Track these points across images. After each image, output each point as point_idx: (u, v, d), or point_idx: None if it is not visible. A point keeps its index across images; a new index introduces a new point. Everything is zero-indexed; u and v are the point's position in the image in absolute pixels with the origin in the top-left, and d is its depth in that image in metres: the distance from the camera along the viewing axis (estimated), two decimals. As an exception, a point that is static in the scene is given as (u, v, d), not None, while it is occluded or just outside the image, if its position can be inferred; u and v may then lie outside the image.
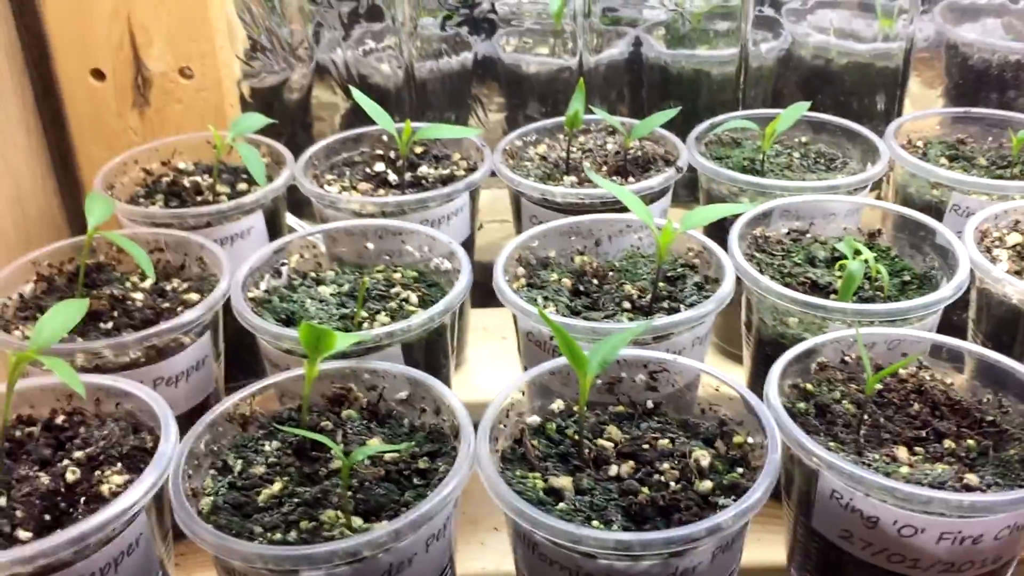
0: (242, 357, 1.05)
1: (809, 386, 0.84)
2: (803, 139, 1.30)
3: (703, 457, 0.76)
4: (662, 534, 0.65)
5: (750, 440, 0.76)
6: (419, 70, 1.39)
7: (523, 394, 0.81)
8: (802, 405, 0.82)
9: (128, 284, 1.00)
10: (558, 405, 0.83)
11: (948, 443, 0.78)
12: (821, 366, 0.86)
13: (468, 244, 1.17)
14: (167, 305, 0.95)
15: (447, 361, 0.97)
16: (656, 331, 0.86)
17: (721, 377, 0.81)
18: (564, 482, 0.73)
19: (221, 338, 0.99)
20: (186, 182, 1.18)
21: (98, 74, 1.27)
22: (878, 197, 1.33)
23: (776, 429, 0.74)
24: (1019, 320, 0.92)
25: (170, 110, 1.29)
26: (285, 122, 1.42)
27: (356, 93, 1.13)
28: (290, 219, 1.27)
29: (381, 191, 1.16)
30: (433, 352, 0.94)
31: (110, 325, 0.92)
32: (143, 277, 1.01)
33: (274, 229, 1.16)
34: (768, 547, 0.89)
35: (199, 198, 1.15)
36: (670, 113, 1.19)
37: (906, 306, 0.89)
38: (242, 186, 1.18)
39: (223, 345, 1.00)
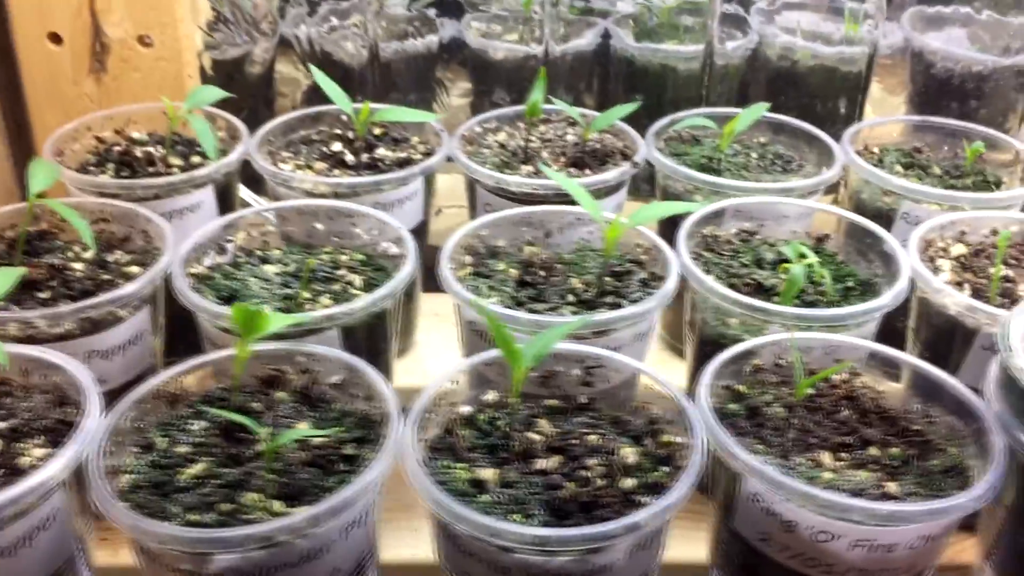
0: (187, 334, 1.04)
1: (742, 388, 0.85)
2: (762, 140, 1.30)
3: (629, 455, 0.76)
4: (579, 531, 0.65)
5: (677, 439, 0.77)
6: (384, 51, 1.38)
7: (456, 384, 0.81)
8: (733, 406, 0.83)
9: (70, 254, 0.99)
10: (492, 396, 0.83)
11: (873, 450, 0.79)
12: (756, 368, 0.86)
13: (422, 229, 1.17)
14: (107, 277, 0.94)
15: (388, 346, 0.97)
16: (594, 326, 0.86)
17: (653, 375, 0.81)
18: (489, 474, 0.73)
19: (162, 313, 0.98)
20: (138, 152, 1.16)
21: (55, 38, 1.25)
22: (835, 201, 1.34)
23: (702, 430, 0.74)
24: (955, 331, 0.93)
25: (127, 78, 1.28)
26: (246, 96, 1.40)
27: (315, 71, 1.12)
28: (244, 192, 1.26)
29: (337, 171, 1.15)
30: (374, 337, 0.93)
31: (47, 295, 0.91)
32: (86, 247, 1.00)
33: (226, 204, 1.15)
34: (699, 545, 0.90)
35: (151, 169, 1.14)
36: (630, 107, 1.19)
37: (843, 312, 0.89)
38: (196, 159, 1.16)
39: (164, 320, 0.99)
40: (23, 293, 0.90)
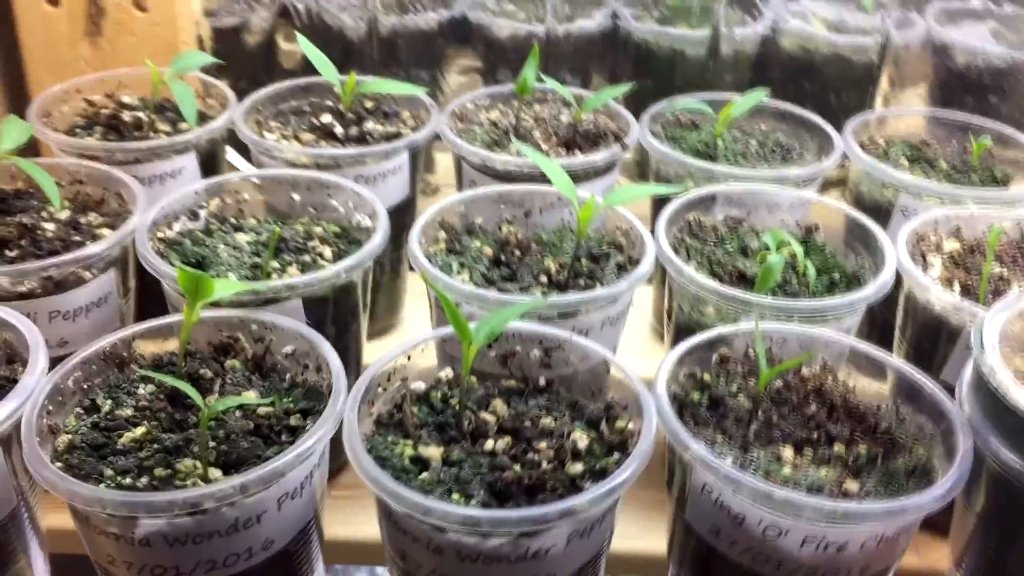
0: (160, 299, 1.04)
1: (707, 376, 0.82)
2: (764, 127, 1.27)
3: (581, 439, 0.74)
4: (511, 512, 0.63)
5: (630, 426, 0.74)
6: (383, 24, 1.36)
7: (409, 359, 0.79)
8: (696, 395, 0.80)
9: (44, 214, 0.98)
10: (447, 373, 0.81)
11: (838, 447, 0.76)
12: (723, 358, 0.84)
13: (407, 205, 1.15)
14: (78, 238, 0.94)
15: (355, 320, 0.95)
16: (556, 307, 0.84)
17: (610, 359, 0.79)
18: (433, 452, 0.72)
19: (132, 276, 0.97)
20: (126, 116, 1.15)
21: (53, 1, 1.25)
22: (843, 194, 1.30)
23: (654, 417, 0.72)
24: (940, 329, 0.89)
25: (123, 42, 1.27)
26: (245, 65, 1.39)
27: (302, 40, 1.10)
28: (232, 156, 1.25)
29: (323, 143, 1.13)
30: (340, 310, 0.92)
31: (15, 253, 0.90)
32: (61, 207, 0.99)
33: (211, 171, 1.14)
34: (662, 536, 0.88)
35: (137, 134, 1.13)
36: (622, 88, 1.17)
37: (819, 304, 0.86)
38: (183, 125, 1.15)
39: (135, 284, 0.98)
40: (-8, 250, 0.90)
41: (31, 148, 1.14)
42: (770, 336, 0.85)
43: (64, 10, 1.25)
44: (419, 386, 0.79)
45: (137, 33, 1.27)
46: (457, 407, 0.77)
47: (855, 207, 1.17)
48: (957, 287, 0.93)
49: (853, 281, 0.96)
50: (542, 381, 0.81)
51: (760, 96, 1.18)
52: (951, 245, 0.98)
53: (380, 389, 0.76)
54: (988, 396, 0.72)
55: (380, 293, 1.15)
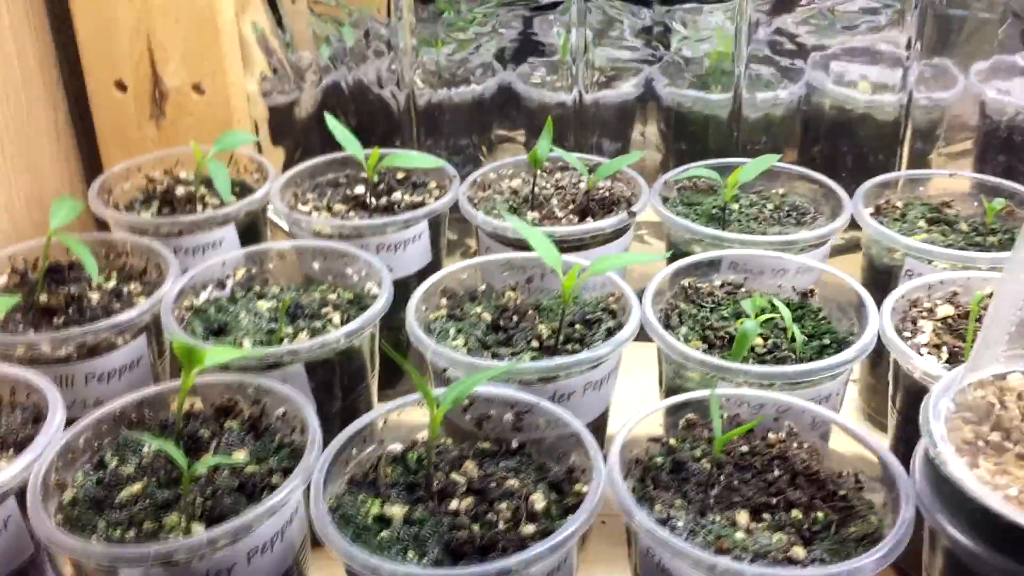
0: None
1: (672, 441, 0.85)
2: (781, 191, 1.29)
3: (538, 500, 0.78)
4: (450, 571, 0.68)
5: (586, 489, 0.78)
6: (420, 97, 1.44)
7: (384, 423, 0.85)
8: (659, 459, 0.83)
9: (94, 284, 1.09)
10: (424, 435, 0.86)
11: (796, 513, 0.78)
12: (689, 422, 0.86)
13: (429, 270, 1.22)
14: (118, 306, 1.04)
15: (362, 381, 1.01)
16: (525, 373, 0.88)
17: (571, 424, 0.83)
18: (396, 511, 0.77)
19: (166, 340, 1.06)
20: (180, 191, 1.27)
21: (121, 86, 1.38)
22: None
23: (601, 482, 0.76)
24: (923, 397, 0.90)
25: (183, 122, 1.39)
26: (298, 139, 1.50)
27: (329, 119, 1.19)
28: (276, 219, 1.34)
29: (353, 213, 1.21)
30: (344, 372, 0.99)
31: (60, 320, 1.01)
32: (108, 278, 1.10)
33: (251, 240, 1.24)
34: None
35: (189, 207, 1.24)
36: (634, 156, 1.22)
37: (792, 370, 0.88)
38: (231, 199, 1.26)
39: (169, 346, 1.08)
40: (42, 318, 1.01)
41: (99, 223, 1.27)
42: (745, 401, 0.88)
43: (131, 95, 1.38)
44: (396, 447, 0.85)
45: (195, 114, 1.38)
46: (431, 468, 0.82)
47: (868, 270, 1.18)
48: (945, 354, 0.93)
49: (843, 346, 0.97)
50: (515, 443, 0.86)
51: (772, 160, 1.20)
52: (945, 310, 0.98)
53: (354, 451, 0.82)
54: (932, 467, 0.73)
55: (411, 352, 1.23)
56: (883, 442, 0.99)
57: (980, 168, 1.40)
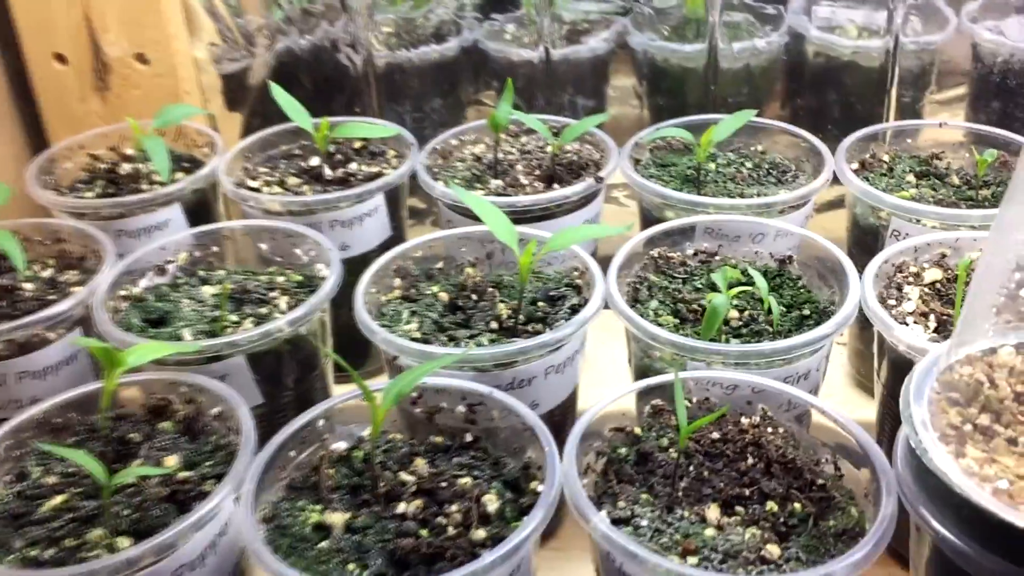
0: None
1: (638, 430, 0.79)
2: (760, 148, 1.21)
3: (491, 502, 0.72)
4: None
5: (541, 488, 0.72)
6: (378, 59, 1.36)
7: (326, 420, 0.79)
8: (623, 451, 0.77)
9: (29, 273, 1.02)
10: (369, 431, 0.80)
11: (771, 505, 0.72)
12: (656, 409, 0.80)
13: (389, 245, 1.15)
14: (53, 297, 0.97)
15: (314, 369, 0.95)
16: (477, 361, 0.82)
17: (525, 416, 0.77)
18: (337, 518, 0.71)
19: (105, 332, 1.00)
20: (125, 170, 1.20)
21: (61, 58, 1.30)
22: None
23: (555, 480, 0.70)
24: (907, 371, 0.83)
25: (129, 95, 1.31)
26: (254, 109, 1.42)
27: (274, 87, 1.12)
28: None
29: (307, 188, 1.14)
30: (293, 362, 0.93)
31: (-7, 314, 0.94)
32: (44, 267, 1.03)
33: (203, 221, 1.17)
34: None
35: (133, 186, 1.17)
36: (600, 118, 1.14)
37: (763, 348, 0.82)
38: (179, 175, 1.19)
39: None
40: (-25, 313, 0.95)
41: (38, 207, 1.20)
42: (717, 383, 0.81)
43: (72, 67, 1.30)
44: (339, 446, 0.79)
45: (142, 85, 1.31)
46: (378, 467, 0.76)
47: (853, 230, 1.11)
48: (932, 323, 0.86)
49: (825, 317, 0.91)
50: (469, 437, 0.80)
51: (748, 116, 1.13)
52: (933, 274, 0.92)
53: (293, 452, 0.76)
54: (915, 456, 0.66)
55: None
56: (871, 413, 0.95)
57: (973, 116, 1.32)
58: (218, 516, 0.70)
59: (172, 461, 0.77)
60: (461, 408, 0.81)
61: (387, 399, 0.73)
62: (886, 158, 1.16)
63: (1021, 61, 1.27)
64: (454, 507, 0.72)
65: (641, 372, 0.91)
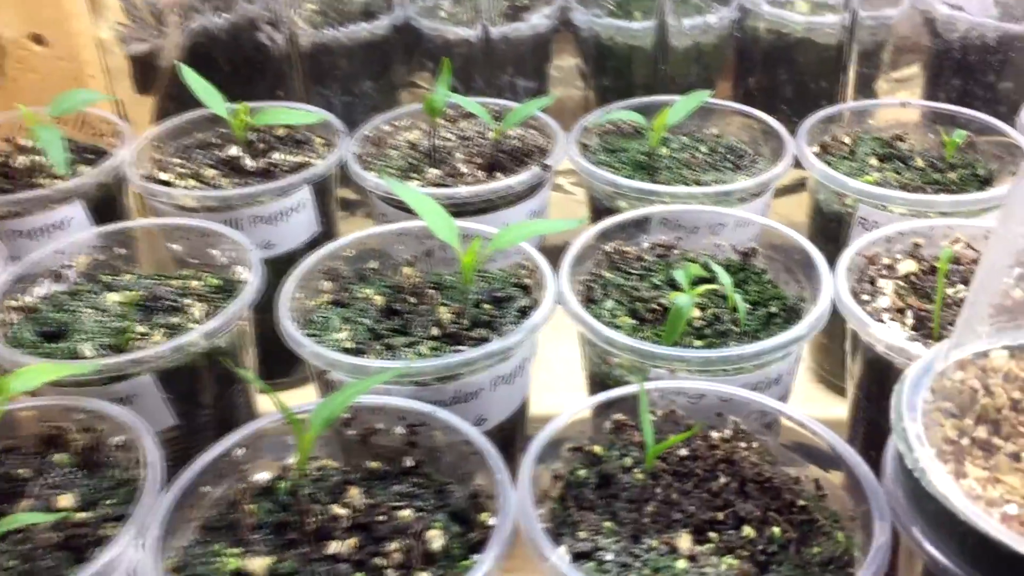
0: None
1: (599, 449, 0.71)
2: (715, 131, 1.14)
3: (435, 538, 0.64)
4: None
5: (492, 521, 0.64)
6: (303, 39, 1.26)
7: (246, 449, 0.69)
8: (583, 473, 0.69)
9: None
10: (297, 459, 0.71)
11: (747, 531, 0.65)
12: (618, 424, 0.72)
13: (320, 242, 1.05)
14: (-66, 310, 0.86)
15: (232, 386, 0.86)
16: (416, 375, 0.73)
17: (474, 439, 0.68)
18: (258, 564, 0.62)
19: None
20: (20, 162, 1.08)
21: (-52, 40, 1.17)
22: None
23: (510, 512, 0.61)
24: (888, 372, 0.77)
25: (25, 80, 1.20)
26: (167, 93, 1.31)
27: (184, 70, 1.01)
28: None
29: (225, 181, 1.04)
30: (210, 377, 0.83)
31: None
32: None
33: (110, 219, 1.05)
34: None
35: (30, 180, 1.05)
36: (542, 101, 1.06)
37: (734, 354, 0.74)
38: (83, 168, 1.07)
39: None
40: None
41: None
42: (682, 393, 0.74)
43: (-39, 50, 1.18)
44: (262, 477, 0.69)
45: (40, 69, 1.19)
46: (306, 501, 0.67)
47: (816, 218, 1.05)
48: (910, 319, 0.80)
49: (793, 315, 0.84)
50: (409, 462, 0.71)
51: (702, 97, 1.05)
52: (907, 266, 0.85)
53: (206, 488, 0.67)
54: (909, 475, 0.59)
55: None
56: (839, 412, 0.88)
57: (932, 94, 1.26)
58: (119, 566, 0.60)
59: (66, 500, 0.66)
60: (400, 429, 0.72)
61: (315, 424, 0.64)
62: (847, 140, 1.09)
63: (982, 36, 1.21)
64: (394, 545, 0.63)
65: (597, 380, 0.83)
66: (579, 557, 0.63)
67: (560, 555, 0.59)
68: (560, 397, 0.84)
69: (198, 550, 0.63)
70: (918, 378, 0.63)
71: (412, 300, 0.86)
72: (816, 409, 0.97)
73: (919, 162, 1.06)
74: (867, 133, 1.11)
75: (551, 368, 0.97)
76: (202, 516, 0.66)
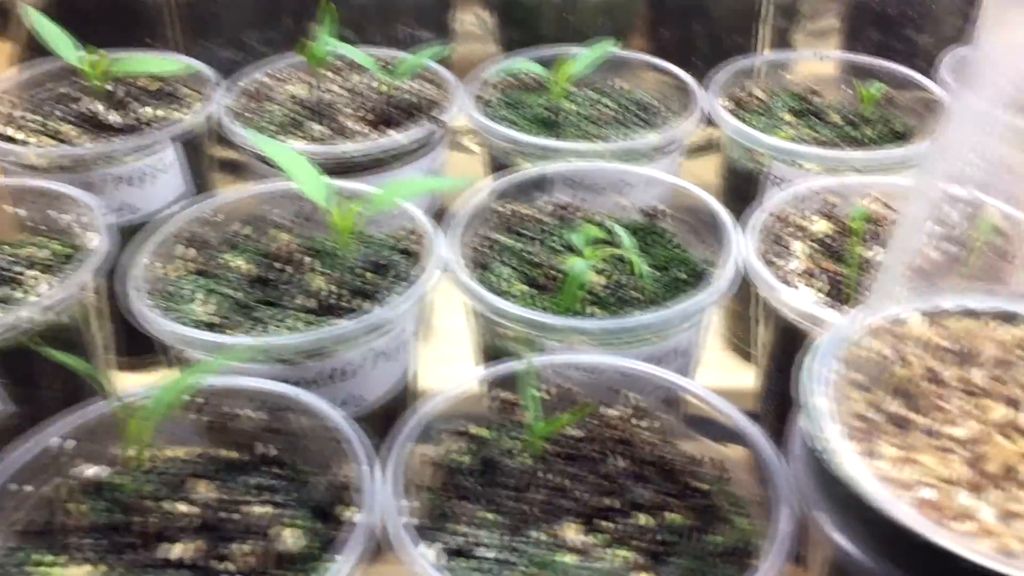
0: None
1: (484, 431, 0.64)
2: (624, 85, 1.07)
3: (289, 537, 0.56)
4: None
5: (355, 516, 0.56)
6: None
7: (75, 440, 0.61)
8: (465, 459, 0.62)
9: None
10: (136, 449, 0.62)
11: (643, 519, 0.59)
12: (505, 404, 0.65)
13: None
14: None
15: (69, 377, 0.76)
16: (278, 352, 0.65)
17: (339, 424, 0.60)
18: (82, 573, 0.54)
19: None
20: None
21: None
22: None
23: (376, 507, 0.54)
24: (798, 341, 0.71)
25: None
26: (26, 42, 1.18)
27: (30, 13, 0.91)
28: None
29: (85, 138, 0.93)
30: (52, 361, 0.73)
31: None
32: None
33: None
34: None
35: None
36: (438, 50, 0.98)
37: (633, 324, 0.68)
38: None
39: None
40: None
41: None
42: (578, 367, 0.67)
43: None
44: (92, 471, 0.61)
45: None
46: (143, 498, 0.59)
47: (728, 176, 0.99)
48: (823, 283, 0.74)
49: (700, 280, 0.78)
50: (269, 451, 0.63)
51: (607, 47, 0.98)
52: (821, 227, 0.80)
53: (28, 487, 0.58)
54: (816, 456, 0.53)
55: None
56: (750, 380, 0.83)
57: (850, 47, 1.21)
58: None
59: None
60: (261, 414, 0.64)
61: (153, 410, 0.56)
62: (761, 95, 1.03)
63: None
64: (245, 546, 0.55)
65: (489, 355, 0.76)
66: (454, 554, 0.56)
67: (424, 554, 0.52)
68: (450, 373, 0.76)
69: (14, 559, 0.55)
70: (828, 348, 0.57)
71: (288, 269, 0.78)
72: (729, 381, 0.91)
73: (835, 117, 1.01)
74: (782, 88, 1.05)
75: (443, 341, 0.90)
76: (21, 519, 0.57)
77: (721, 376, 0.93)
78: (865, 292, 0.63)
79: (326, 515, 0.59)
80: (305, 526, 0.57)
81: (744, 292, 0.80)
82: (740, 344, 0.99)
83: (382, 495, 0.55)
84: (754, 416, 0.63)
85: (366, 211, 0.71)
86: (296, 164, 0.71)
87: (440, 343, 0.93)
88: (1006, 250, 0.73)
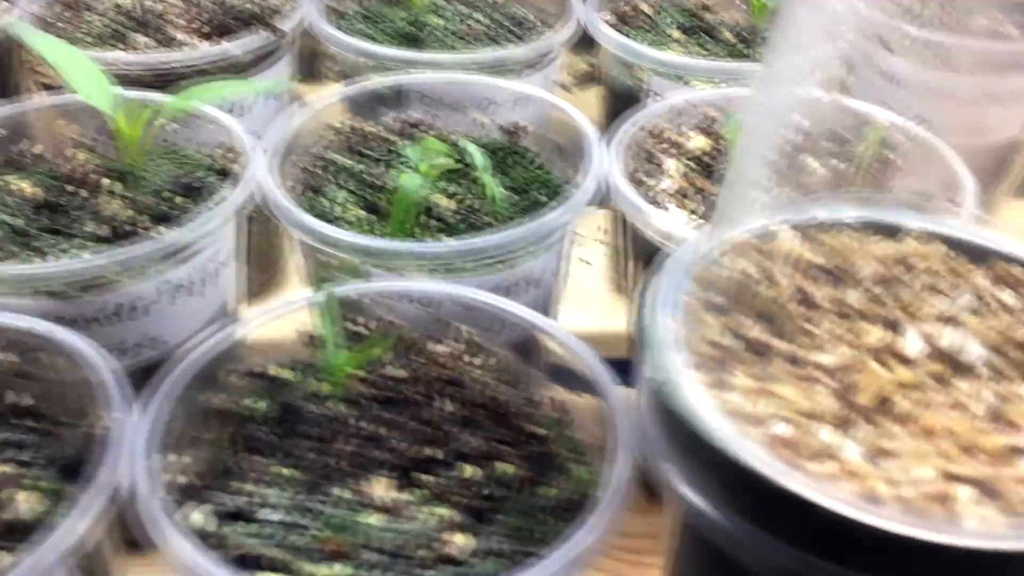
0: None
1: (285, 373, 0.54)
2: (498, -1, 0.97)
3: (25, 501, 0.46)
4: None
5: (99, 476, 0.46)
6: None
7: None
8: (262, 406, 0.52)
9: None
10: None
11: (469, 470, 0.49)
12: (314, 341, 0.55)
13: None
14: None
15: None
16: (42, 282, 0.54)
17: (90, 359, 0.50)
18: None
19: None
20: None
21: None
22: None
23: (119, 459, 0.44)
24: (664, 267, 0.62)
25: None
26: None
27: None
28: None
29: None
30: None
31: None
32: None
33: None
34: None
35: None
36: (277, -49, 0.86)
37: (465, 246, 0.58)
38: None
39: None
40: None
41: None
42: (412, 298, 0.57)
43: None
44: None
45: None
46: None
47: (609, 99, 0.89)
48: (697, 204, 0.65)
49: (560, 200, 0.68)
50: (19, 400, 0.52)
51: (474, -46, 0.88)
52: (698, 143, 0.71)
53: None
54: (658, 393, 0.45)
55: None
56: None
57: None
58: None
59: None
60: (11, 355, 0.53)
61: None
62: (647, 10, 0.94)
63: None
64: (-22, 512, 0.45)
65: (319, 286, 0.65)
66: (231, 517, 0.46)
67: (188, 517, 0.42)
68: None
69: None
70: (679, 265, 0.48)
71: (80, 193, 0.66)
72: (608, 325, 0.82)
73: (727, 35, 0.92)
74: (670, 2, 0.95)
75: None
76: None
77: (600, 320, 0.84)
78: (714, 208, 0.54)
79: (77, 475, 0.48)
80: (48, 488, 0.47)
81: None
82: (623, 284, 0.91)
83: (137, 448, 0.45)
84: (623, 363, 0.54)
85: (163, 117, 0.60)
86: (76, 65, 0.60)
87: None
88: (898, 165, 0.65)
